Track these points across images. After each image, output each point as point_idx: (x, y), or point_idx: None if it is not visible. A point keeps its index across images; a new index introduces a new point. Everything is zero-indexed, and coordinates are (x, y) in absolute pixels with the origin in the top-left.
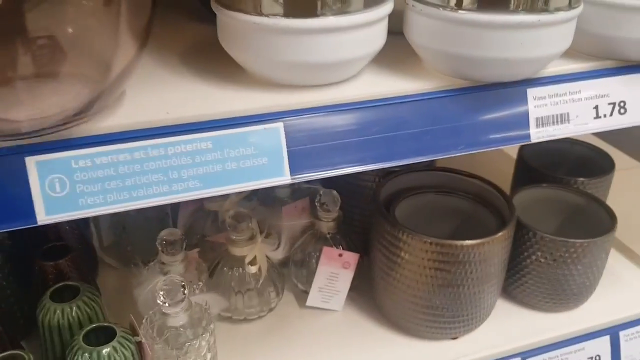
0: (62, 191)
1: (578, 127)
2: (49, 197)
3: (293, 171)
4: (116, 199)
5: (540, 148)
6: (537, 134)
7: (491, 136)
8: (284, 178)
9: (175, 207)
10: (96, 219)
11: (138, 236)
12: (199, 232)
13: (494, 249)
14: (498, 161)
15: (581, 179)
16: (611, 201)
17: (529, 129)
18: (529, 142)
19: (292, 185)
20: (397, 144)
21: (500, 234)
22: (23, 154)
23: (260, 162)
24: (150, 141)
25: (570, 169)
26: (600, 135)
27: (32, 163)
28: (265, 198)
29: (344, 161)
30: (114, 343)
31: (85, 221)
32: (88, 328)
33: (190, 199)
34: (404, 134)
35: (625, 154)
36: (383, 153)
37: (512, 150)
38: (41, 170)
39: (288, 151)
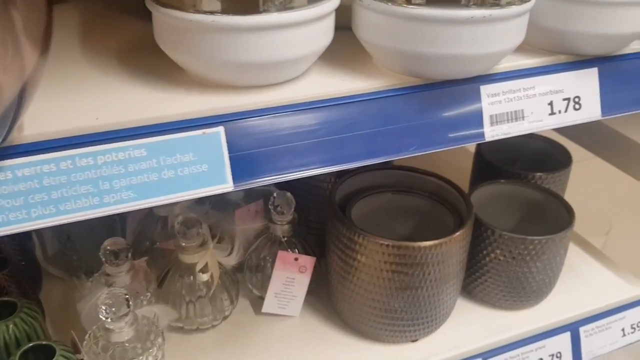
0: None
1: (533, 124)
2: None
3: (236, 178)
4: (41, 213)
5: (498, 143)
6: (492, 133)
7: (445, 136)
8: (226, 186)
9: (124, 213)
10: (39, 230)
11: (84, 245)
12: (149, 239)
13: (451, 249)
14: (456, 157)
15: (539, 173)
16: (568, 193)
17: (483, 128)
18: (484, 141)
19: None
20: (347, 146)
21: (457, 233)
22: None
23: (200, 170)
24: (78, 150)
25: (528, 163)
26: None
27: None
28: (217, 202)
29: (291, 165)
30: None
31: (26, 232)
32: (25, 347)
33: (124, 211)
34: (354, 135)
35: (581, 146)
36: (333, 156)
37: (471, 145)
38: None
39: (230, 157)
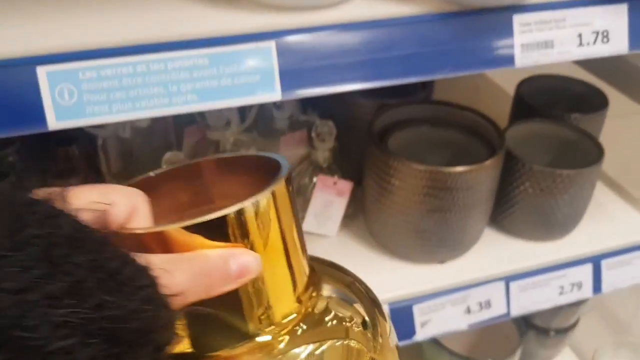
0: (70, 100)
1: (562, 55)
2: (58, 105)
3: (284, 89)
4: (120, 108)
5: (537, 86)
6: (522, 60)
7: (477, 60)
8: (275, 95)
9: (180, 136)
10: (105, 146)
11: (145, 164)
12: None
13: (481, 176)
14: (496, 100)
15: (575, 114)
16: (605, 139)
17: (513, 54)
18: (514, 67)
19: (290, 117)
20: (385, 65)
21: (488, 162)
22: (35, 64)
23: (253, 80)
24: (152, 56)
25: (566, 106)
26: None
27: (43, 73)
28: (264, 130)
29: (332, 80)
30: None
31: (94, 148)
32: None
33: (188, 112)
34: (392, 55)
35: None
36: (371, 74)
37: (510, 88)
38: (51, 80)
39: (279, 69)
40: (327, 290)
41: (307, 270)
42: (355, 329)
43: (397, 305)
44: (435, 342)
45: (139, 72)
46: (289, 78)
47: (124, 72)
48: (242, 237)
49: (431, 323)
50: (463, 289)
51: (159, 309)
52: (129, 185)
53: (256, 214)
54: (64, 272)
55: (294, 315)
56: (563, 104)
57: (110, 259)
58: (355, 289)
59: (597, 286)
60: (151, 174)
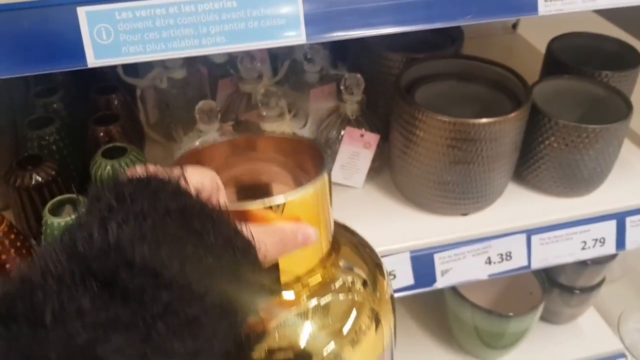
0: (107, 39)
1: (586, 4)
2: (97, 44)
3: (309, 33)
4: (153, 49)
5: (569, 43)
6: (545, 8)
7: (500, 6)
8: (300, 39)
9: (214, 88)
10: (143, 98)
11: (180, 115)
12: (235, 114)
13: (505, 128)
14: (527, 58)
15: (605, 72)
16: (637, 98)
17: (537, 2)
18: (537, 15)
19: (320, 71)
20: (408, 10)
21: (512, 114)
22: (75, 4)
23: (278, 23)
24: None
25: (598, 64)
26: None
27: (82, 13)
28: (295, 83)
29: (356, 25)
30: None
31: (133, 98)
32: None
33: (217, 52)
34: (417, 1)
35: None
36: (395, 19)
37: (542, 46)
38: (90, 19)
39: (305, 14)
40: (352, 263)
41: (330, 247)
42: (358, 287)
43: (419, 253)
44: (458, 295)
45: (171, 13)
46: (313, 22)
47: (157, 14)
48: (299, 216)
49: (452, 272)
50: (484, 240)
51: (259, 271)
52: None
53: (311, 198)
54: (195, 237)
55: (317, 276)
56: (595, 62)
57: (226, 230)
58: (361, 251)
59: (620, 243)
60: (206, 144)
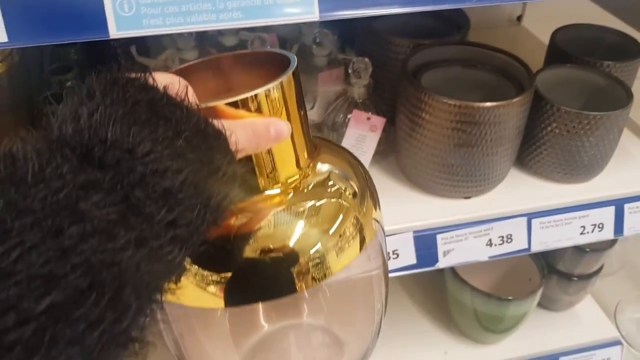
0: (129, 11)
1: None
2: (119, 16)
3: (321, 10)
4: (173, 22)
5: (572, 34)
6: None
7: None
8: (313, 16)
9: None
10: None
11: None
12: None
13: (509, 112)
14: (531, 49)
15: (607, 62)
16: (638, 89)
17: None
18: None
19: (329, 55)
20: None
21: (516, 99)
22: None
23: (293, 0)
24: None
25: (600, 55)
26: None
27: None
28: (304, 66)
29: (367, 4)
30: None
31: None
32: None
33: (233, 27)
34: None
35: None
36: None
37: (546, 38)
38: None
39: None
40: (332, 165)
41: (307, 146)
42: (347, 194)
43: (422, 233)
44: (458, 278)
45: None
46: (326, 0)
47: None
48: (268, 112)
49: (453, 252)
50: (486, 222)
51: (233, 161)
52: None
53: (279, 93)
54: (165, 123)
55: (295, 177)
56: (597, 53)
57: (196, 118)
58: (355, 170)
59: (618, 228)
60: (182, 66)
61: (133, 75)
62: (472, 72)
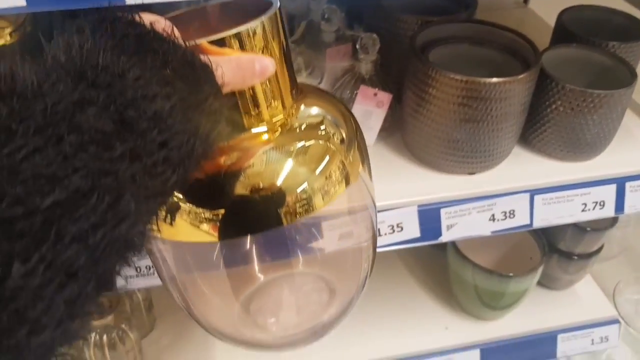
0: None
1: None
2: None
3: None
4: None
5: (578, 15)
6: None
7: None
8: None
9: None
10: None
11: None
12: None
13: (515, 89)
14: (538, 31)
15: (613, 42)
16: None
17: None
18: None
19: (337, 31)
20: None
21: (522, 75)
22: None
23: None
24: None
25: (606, 36)
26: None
27: None
28: (312, 43)
29: None
30: None
31: None
32: None
33: None
34: None
35: None
36: None
37: (552, 20)
38: None
39: None
40: (323, 111)
41: (292, 87)
42: (336, 139)
43: (426, 207)
44: (460, 254)
45: None
46: None
47: None
48: (252, 50)
49: (457, 227)
50: (489, 197)
51: (219, 92)
52: None
53: (261, 32)
54: (153, 54)
55: (280, 116)
56: (603, 34)
57: (183, 51)
58: (346, 119)
59: (619, 206)
60: (168, 15)
61: (120, 14)
62: (479, 49)
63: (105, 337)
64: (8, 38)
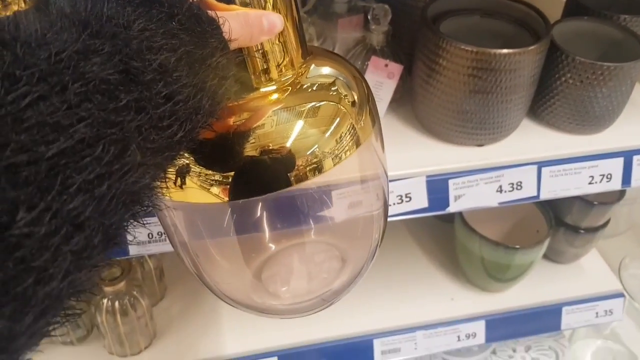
0: None
1: None
2: None
3: None
4: None
5: None
6: None
7: None
8: None
9: None
10: None
11: None
12: None
13: (525, 60)
14: (548, 1)
15: (624, 15)
16: None
17: None
18: None
19: (349, 1)
20: None
21: (532, 47)
22: None
23: None
24: None
25: (618, 9)
26: None
27: None
28: (324, 13)
29: None
30: None
31: None
32: None
33: None
34: None
35: None
36: None
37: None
38: None
39: None
40: (335, 72)
41: (301, 47)
42: (347, 102)
43: (434, 178)
44: (467, 226)
45: None
46: None
47: None
48: (259, 7)
49: (464, 197)
50: (497, 169)
51: (226, 47)
52: None
53: None
54: (158, 6)
55: (289, 76)
56: (615, 7)
57: (189, 4)
58: (358, 84)
59: (626, 179)
60: None
61: None
62: (490, 21)
63: (117, 303)
64: (22, 4)
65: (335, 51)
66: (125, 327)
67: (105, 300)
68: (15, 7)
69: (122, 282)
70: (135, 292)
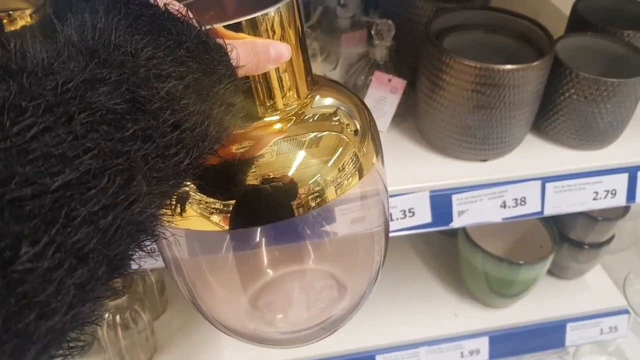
0: None
1: None
2: None
3: None
4: None
5: (594, 4)
6: None
7: None
8: None
9: None
10: None
11: None
12: None
13: (528, 76)
14: (553, 22)
15: (628, 31)
16: None
17: None
18: None
19: (352, 17)
20: None
21: (536, 63)
22: None
23: None
24: None
25: (622, 25)
26: None
27: None
28: (328, 28)
29: None
30: None
31: None
32: None
33: None
34: None
35: None
36: None
37: (567, 9)
38: None
39: None
40: (337, 102)
41: (306, 77)
42: (349, 130)
43: (438, 193)
44: (471, 241)
45: None
46: None
47: None
48: (267, 37)
49: (468, 213)
50: (501, 184)
51: (233, 75)
52: None
53: (278, 18)
54: (167, 34)
55: (294, 105)
56: (618, 23)
57: (197, 32)
58: (360, 112)
59: (631, 195)
60: (184, 2)
61: None
62: (494, 37)
63: (118, 317)
64: (29, 19)
65: (339, 66)
66: (126, 341)
67: (106, 314)
68: (22, 22)
69: (124, 296)
70: (136, 306)
